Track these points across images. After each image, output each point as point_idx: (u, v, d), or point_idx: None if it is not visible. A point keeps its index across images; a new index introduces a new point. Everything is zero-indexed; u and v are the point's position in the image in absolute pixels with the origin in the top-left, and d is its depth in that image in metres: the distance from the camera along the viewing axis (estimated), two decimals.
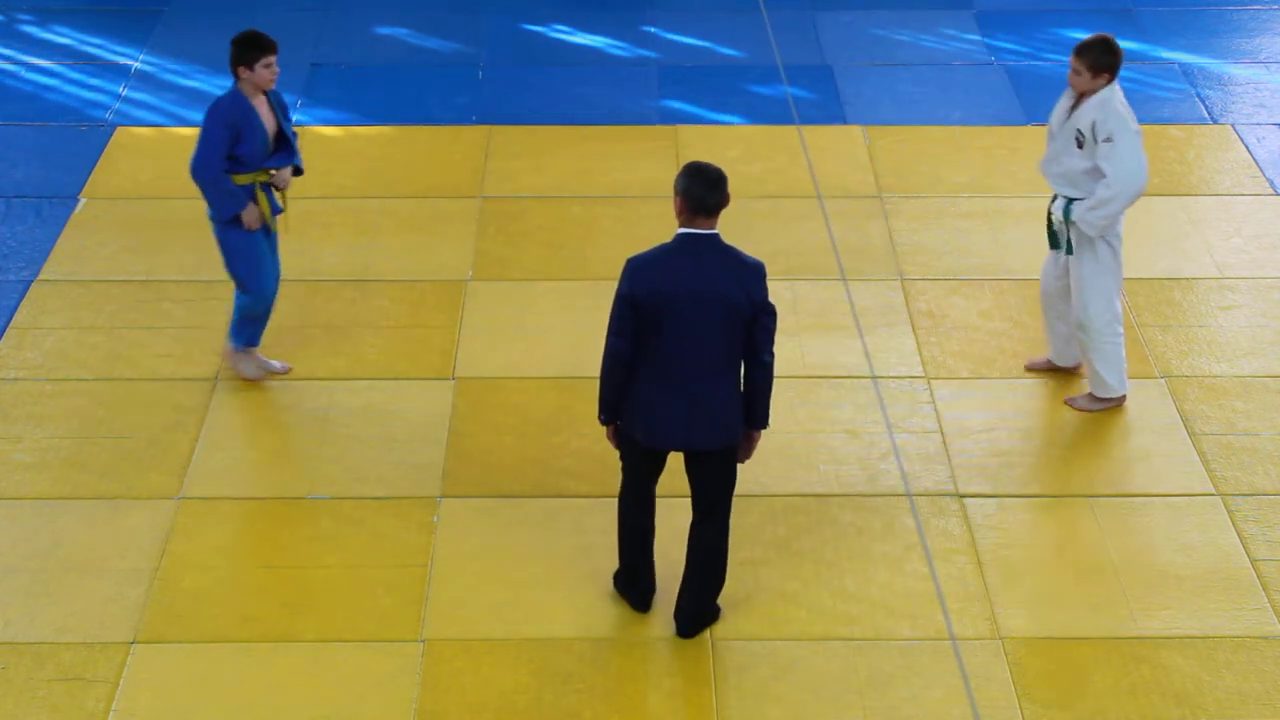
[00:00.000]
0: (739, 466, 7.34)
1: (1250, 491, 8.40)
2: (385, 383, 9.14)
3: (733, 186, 7.01)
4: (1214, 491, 8.40)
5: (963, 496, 8.35)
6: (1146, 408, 8.99)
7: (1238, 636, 7.52)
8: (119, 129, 11.73)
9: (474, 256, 10.26)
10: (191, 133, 11.60)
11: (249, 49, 8.48)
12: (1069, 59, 8.52)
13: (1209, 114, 12.10)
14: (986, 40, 13.21)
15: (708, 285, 6.92)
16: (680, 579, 7.48)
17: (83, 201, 10.83)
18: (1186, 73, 12.69)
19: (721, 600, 7.56)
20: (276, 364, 9.15)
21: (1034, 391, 9.13)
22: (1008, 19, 13.54)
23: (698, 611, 7.47)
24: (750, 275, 6.98)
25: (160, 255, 10.23)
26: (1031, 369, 9.23)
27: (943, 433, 8.79)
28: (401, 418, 8.86)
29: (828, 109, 12.12)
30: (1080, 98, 8.54)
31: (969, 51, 13.06)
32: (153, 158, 11.38)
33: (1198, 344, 9.51)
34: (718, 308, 6.92)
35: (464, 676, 7.27)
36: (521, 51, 13.07)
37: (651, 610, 7.57)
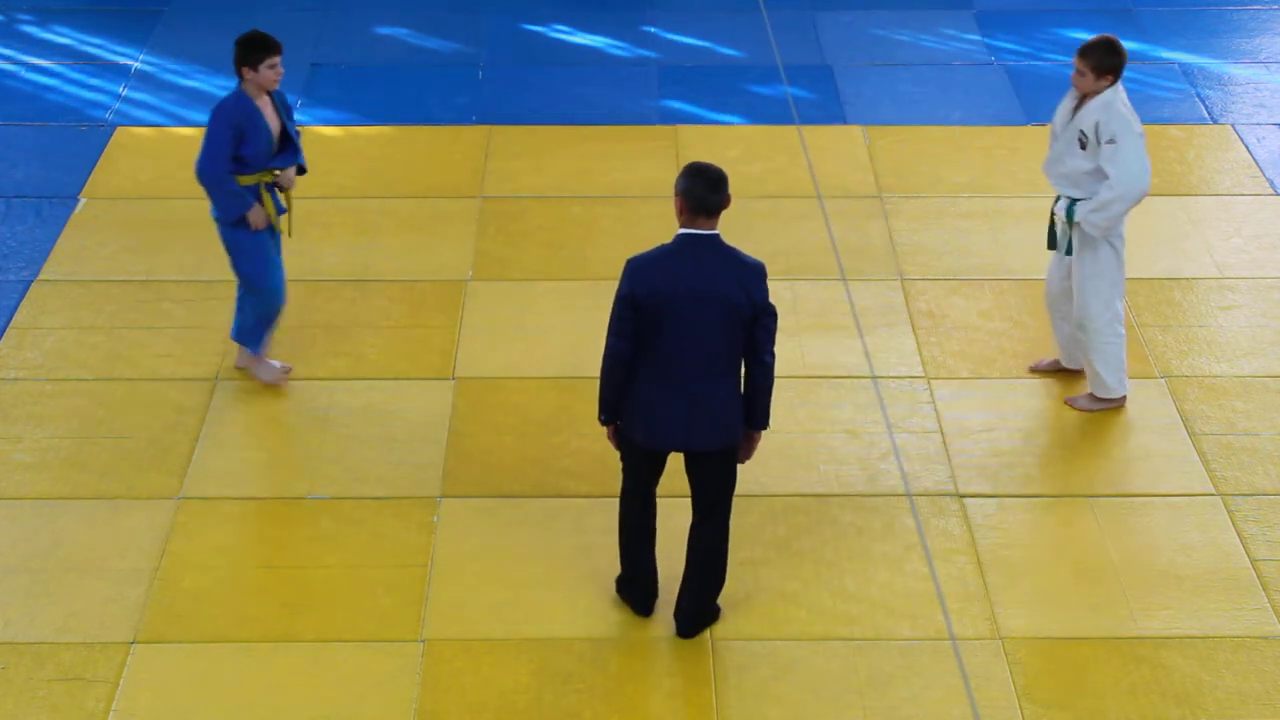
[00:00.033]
0: (739, 467, 7.34)
1: (1250, 491, 8.40)
2: (385, 383, 9.14)
3: (733, 186, 7.00)
4: (1214, 491, 8.40)
5: (963, 496, 8.36)
6: (1146, 408, 8.99)
7: (1238, 636, 7.52)
8: (119, 129, 11.73)
9: (474, 256, 10.26)
10: (191, 133, 11.64)
11: (253, 49, 8.46)
12: (1072, 60, 8.52)
13: (1209, 114, 12.10)
14: (986, 40, 13.21)
15: (708, 285, 6.92)
16: (680, 579, 7.48)
17: (83, 201, 10.83)
18: (1186, 73, 12.69)
19: (721, 600, 7.56)
20: (276, 364, 9.15)
21: (1034, 391, 9.13)
22: (1008, 19, 13.54)
23: (698, 611, 7.47)
24: (751, 276, 6.98)
25: (160, 255, 10.23)
26: (1036, 371, 9.22)
27: (943, 433, 8.79)
28: (401, 418, 8.86)
29: (828, 109, 12.12)
30: (1084, 99, 8.54)
31: (969, 51, 13.06)
32: (153, 158, 11.38)
33: (1198, 344, 9.51)
34: (718, 308, 6.92)
35: (464, 676, 7.27)
36: (521, 51, 13.07)
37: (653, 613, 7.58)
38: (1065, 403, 9.00)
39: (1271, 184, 11.17)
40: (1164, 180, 11.05)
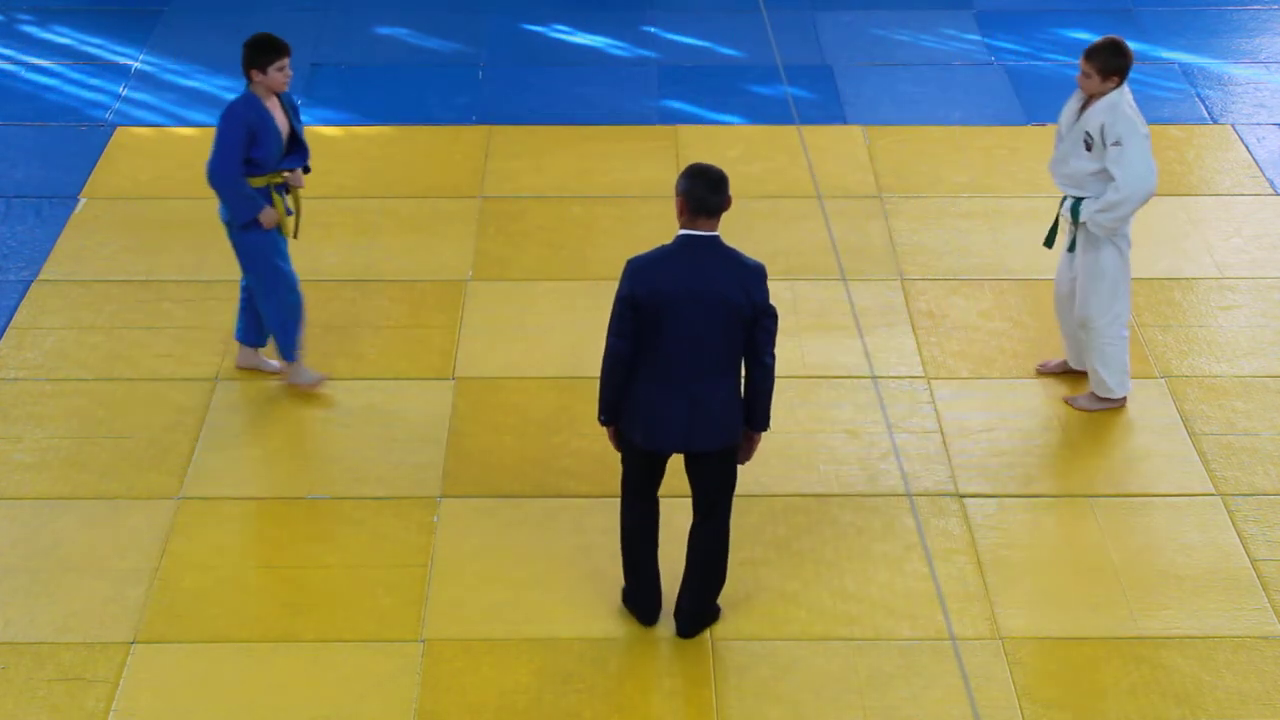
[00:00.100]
0: (739, 467, 7.34)
1: (1250, 491, 8.40)
2: (385, 383, 9.14)
3: (733, 186, 7.00)
4: (1214, 491, 8.40)
5: (963, 496, 8.36)
6: (1146, 408, 8.99)
7: (1238, 636, 7.52)
8: (119, 129, 11.73)
9: (474, 256, 10.26)
10: (192, 133, 11.65)
11: (263, 52, 8.43)
12: (1078, 61, 8.51)
13: (1209, 114, 12.10)
14: (986, 40, 13.21)
15: (708, 286, 6.92)
16: (680, 579, 7.48)
17: (83, 201, 10.83)
18: (1186, 73, 12.69)
19: (721, 600, 7.56)
20: (276, 364, 9.15)
21: (1034, 391, 9.12)
22: (1008, 19, 13.54)
23: (698, 611, 7.48)
24: (751, 277, 6.98)
25: (160, 255, 10.23)
26: (1044, 372, 9.21)
27: (943, 433, 8.79)
28: (401, 418, 8.86)
29: (828, 109, 12.12)
30: (1089, 100, 8.54)
31: (969, 51, 13.06)
32: (153, 158, 11.39)
33: (1198, 344, 9.51)
34: (718, 308, 6.92)
35: (464, 676, 7.27)
36: (521, 51, 13.07)
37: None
38: (1065, 402, 9.00)
39: (1271, 184, 11.17)
40: (1164, 180, 11.03)
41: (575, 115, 12.02)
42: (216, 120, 8.56)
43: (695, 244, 6.95)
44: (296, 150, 8.73)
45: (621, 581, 7.58)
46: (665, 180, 10.63)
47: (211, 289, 9.82)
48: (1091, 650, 7.45)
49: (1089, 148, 8.52)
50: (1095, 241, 8.64)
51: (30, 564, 7.87)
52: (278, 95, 8.58)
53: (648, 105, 12.17)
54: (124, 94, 12.23)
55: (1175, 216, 10.73)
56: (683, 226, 6.98)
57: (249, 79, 8.48)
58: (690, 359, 6.99)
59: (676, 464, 7.36)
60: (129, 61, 12.73)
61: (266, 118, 8.48)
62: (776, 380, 7.20)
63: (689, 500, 7.38)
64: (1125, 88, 8.50)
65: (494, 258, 10.26)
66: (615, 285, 7.04)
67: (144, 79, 12.48)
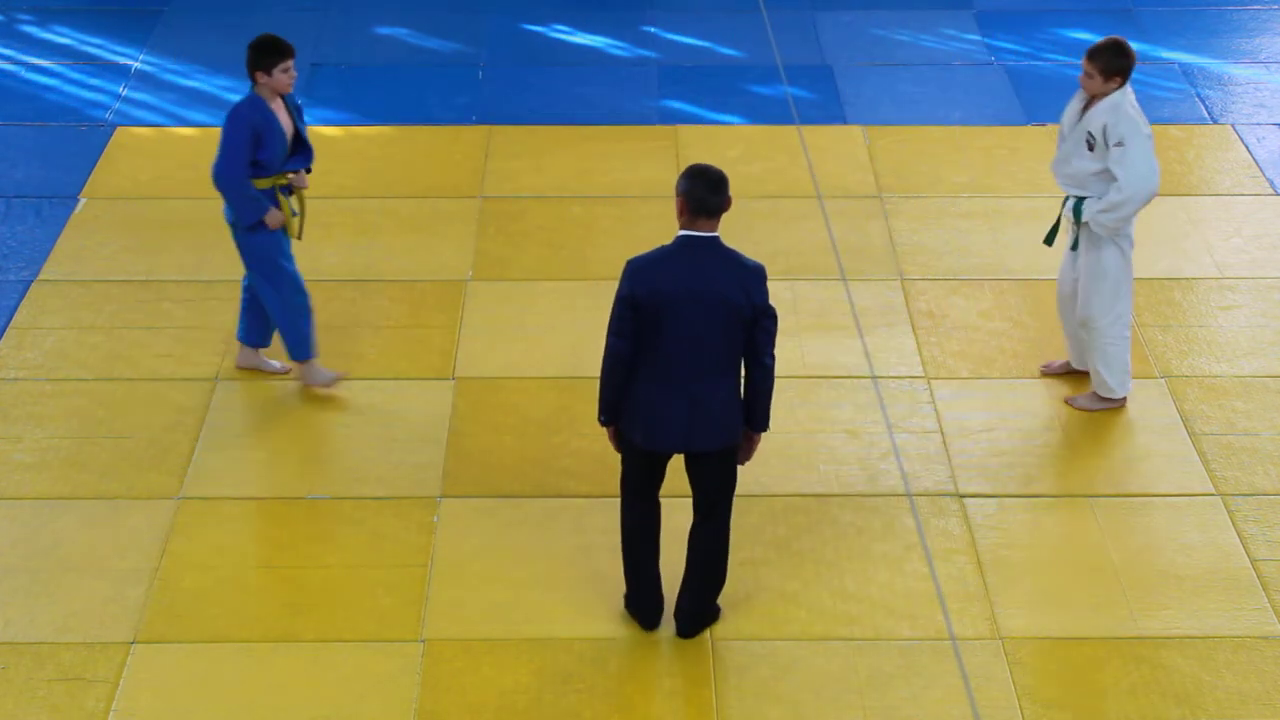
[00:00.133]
0: (739, 468, 7.34)
1: (1250, 491, 8.40)
2: (385, 383, 9.14)
3: (733, 186, 7.00)
4: (1214, 491, 8.40)
5: (963, 496, 8.36)
6: (1146, 408, 8.99)
7: (1238, 636, 7.52)
8: (119, 129, 11.73)
9: (474, 256, 10.26)
10: (192, 133, 11.65)
11: (268, 54, 8.42)
12: (1081, 62, 8.51)
13: (1209, 114, 12.10)
14: (986, 40, 13.21)
15: (708, 286, 6.92)
16: (680, 579, 7.48)
17: (83, 201, 10.83)
18: (1186, 73, 12.69)
19: (721, 600, 7.56)
20: (276, 364, 9.15)
21: (1034, 391, 9.12)
22: (1008, 19, 13.54)
23: (698, 611, 7.47)
24: (751, 278, 6.98)
25: (160, 255, 10.23)
26: (1048, 372, 9.21)
27: (943, 433, 8.79)
28: (401, 418, 8.86)
29: (828, 109, 12.12)
30: (1092, 100, 8.54)
31: (969, 51, 13.06)
32: (153, 158, 11.39)
33: (1198, 344, 9.51)
34: (718, 308, 6.92)
35: (464, 676, 7.27)
36: (521, 51, 13.07)
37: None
38: (1066, 402, 9.00)
39: (1271, 184, 11.17)
40: (1164, 180, 10.95)
41: (575, 115, 12.02)
42: (217, 120, 8.57)
43: (695, 244, 6.95)
44: (301, 151, 8.72)
45: (622, 582, 7.58)
46: (665, 180, 10.63)
47: (212, 289, 9.82)
48: (1091, 650, 7.44)
49: (1091, 148, 8.52)
50: (1098, 241, 8.64)
51: (30, 564, 7.87)
52: (282, 97, 8.58)
53: (648, 105, 12.17)
54: (124, 94, 12.23)
55: (1175, 216, 10.73)
56: (683, 227, 6.98)
57: (254, 81, 8.47)
58: (690, 359, 6.99)
59: (676, 464, 7.36)
60: (129, 61, 12.73)
61: (271, 119, 8.47)
62: (776, 380, 7.20)
63: (689, 500, 7.38)
64: (1128, 88, 8.50)
65: (494, 258, 10.26)
66: (615, 285, 7.04)
67: (144, 79, 12.47)
